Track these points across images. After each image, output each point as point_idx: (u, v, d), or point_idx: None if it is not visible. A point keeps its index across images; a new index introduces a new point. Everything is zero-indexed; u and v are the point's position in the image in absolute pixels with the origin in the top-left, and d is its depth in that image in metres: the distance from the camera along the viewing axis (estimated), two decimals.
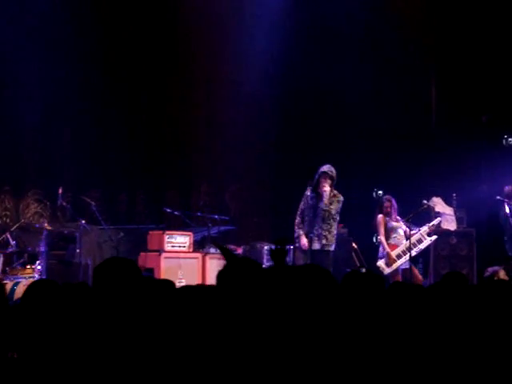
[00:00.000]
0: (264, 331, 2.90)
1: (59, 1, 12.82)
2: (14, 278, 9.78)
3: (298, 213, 9.92)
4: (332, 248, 9.87)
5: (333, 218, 9.82)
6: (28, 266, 10.07)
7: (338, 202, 9.87)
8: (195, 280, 10.22)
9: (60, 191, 10.62)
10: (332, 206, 9.82)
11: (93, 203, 11.09)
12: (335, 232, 9.89)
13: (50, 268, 10.46)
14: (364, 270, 10.73)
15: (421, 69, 13.91)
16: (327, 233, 9.78)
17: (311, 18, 13.83)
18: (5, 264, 10.30)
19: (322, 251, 9.72)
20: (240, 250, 11.54)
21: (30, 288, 3.36)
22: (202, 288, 3.13)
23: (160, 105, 14.29)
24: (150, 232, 11.12)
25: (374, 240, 11.24)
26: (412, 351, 3.32)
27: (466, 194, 11.89)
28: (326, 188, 9.79)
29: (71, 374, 2.79)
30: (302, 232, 9.79)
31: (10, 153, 12.75)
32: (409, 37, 13.67)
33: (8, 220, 11.63)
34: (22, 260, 10.30)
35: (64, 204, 10.73)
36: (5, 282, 9.41)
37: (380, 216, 10.61)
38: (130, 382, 2.80)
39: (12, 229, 10.53)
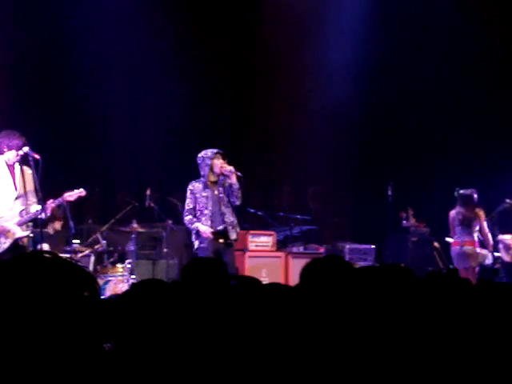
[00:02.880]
0: (345, 330, 2.94)
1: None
2: (105, 277, 9.94)
3: (187, 213, 8.64)
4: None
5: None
6: (118, 265, 10.21)
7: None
8: (279, 278, 10.36)
9: (148, 192, 10.76)
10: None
11: (179, 204, 11.16)
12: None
13: (138, 267, 10.68)
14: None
15: (503, 65, 13.75)
16: (236, 220, 8.68)
17: (394, 20, 13.81)
18: (96, 263, 10.58)
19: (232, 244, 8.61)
20: (322, 250, 11.65)
21: (136, 286, 3.54)
22: (282, 286, 3.22)
23: (242, 109, 14.53)
24: None
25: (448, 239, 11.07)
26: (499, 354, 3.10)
27: None
28: (228, 166, 8.52)
29: (159, 366, 2.94)
30: (199, 223, 8.53)
31: (100, 156, 13.14)
32: (491, 31, 13.52)
33: (99, 220, 11.95)
34: (112, 259, 10.44)
35: (152, 205, 10.83)
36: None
37: (481, 210, 10.53)
38: (219, 376, 2.94)
39: (102, 229, 10.75)
